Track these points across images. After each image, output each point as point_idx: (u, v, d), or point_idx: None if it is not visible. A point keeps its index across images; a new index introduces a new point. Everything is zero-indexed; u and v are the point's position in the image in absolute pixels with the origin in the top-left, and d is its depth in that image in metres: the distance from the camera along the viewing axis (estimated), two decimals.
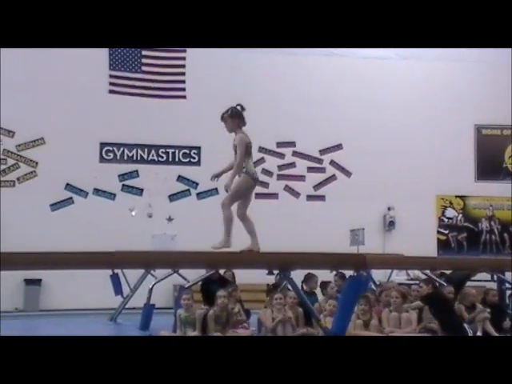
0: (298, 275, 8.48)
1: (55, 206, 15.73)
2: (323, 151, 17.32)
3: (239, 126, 6.90)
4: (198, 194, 16.26)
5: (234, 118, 6.87)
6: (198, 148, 16.46)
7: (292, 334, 8.46)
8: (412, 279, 13.53)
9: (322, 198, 17.20)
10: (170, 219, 15.64)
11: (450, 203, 17.69)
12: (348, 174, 17.40)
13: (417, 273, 13.68)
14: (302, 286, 9.56)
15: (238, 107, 6.96)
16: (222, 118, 6.96)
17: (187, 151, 16.47)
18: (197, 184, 16.33)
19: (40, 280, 14.82)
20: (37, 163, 15.82)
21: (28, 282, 14.77)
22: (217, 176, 7.01)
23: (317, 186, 17.26)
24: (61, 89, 15.71)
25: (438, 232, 17.50)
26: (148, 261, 7.18)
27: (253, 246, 6.73)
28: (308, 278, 9.97)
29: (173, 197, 15.98)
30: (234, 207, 7.31)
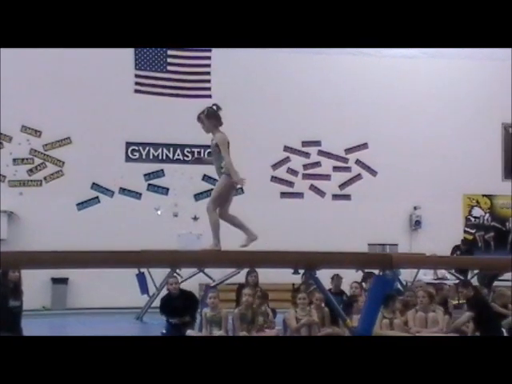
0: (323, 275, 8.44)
1: (81, 206, 15.85)
2: (349, 150, 17.23)
3: (216, 126, 6.85)
4: None
5: (211, 118, 6.82)
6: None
7: (317, 334, 8.43)
8: (439, 279, 13.41)
9: (347, 197, 17.11)
10: (195, 218, 15.66)
11: (477, 202, 17.50)
12: (374, 173, 17.29)
13: (444, 272, 13.58)
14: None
15: (214, 107, 6.90)
16: (199, 119, 6.91)
17: (211, 151, 16.45)
18: None
19: (67, 279, 14.94)
20: (63, 163, 15.95)
21: (55, 280, 14.90)
22: (240, 181, 6.90)
23: (342, 186, 17.18)
24: (87, 89, 15.82)
25: (465, 231, 17.30)
26: (174, 260, 7.17)
27: (249, 236, 6.72)
28: (332, 278, 9.96)
29: (198, 196, 16.01)
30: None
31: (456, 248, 15.17)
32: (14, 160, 15.70)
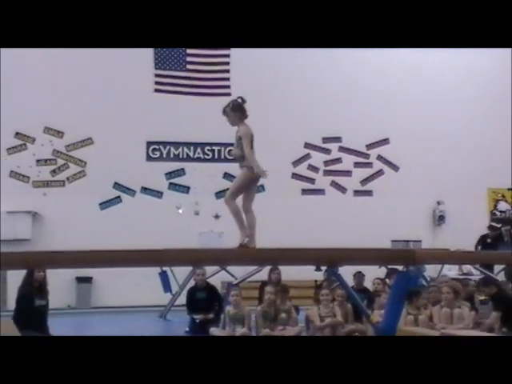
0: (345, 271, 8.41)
1: (104, 205, 15.95)
2: (370, 146, 17.16)
3: (241, 119, 6.81)
4: None
5: (236, 111, 6.78)
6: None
7: (341, 331, 8.42)
8: (464, 274, 13.30)
9: (369, 193, 17.04)
10: (216, 216, 15.68)
11: (503, 196, 17.33)
12: (395, 168, 17.19)
13: (469, 267, 13.46)
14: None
15: (239, 100, 6.86)
16: (224, 112, 6.87)
17: (233, 148, 16.47)
18: None
19: (91, 278, 15.06)
20: (85, 163, 16.06)
21: (79, 279, 15.03)
22: (263, 173, 6.85)
23: (364, 181, 17.12)
24: (108, 89, 15.91)
25: (490, 226, 17.12)
26: (196, 258, 7.19)
27: (249, 242, 6.62)
28: (355, 276, 9.94)
29: (219, 194, 16.02)
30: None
31: (483, 237, 14.81)
32: (38, 161, 15.84)
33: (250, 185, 6.80)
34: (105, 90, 15.90)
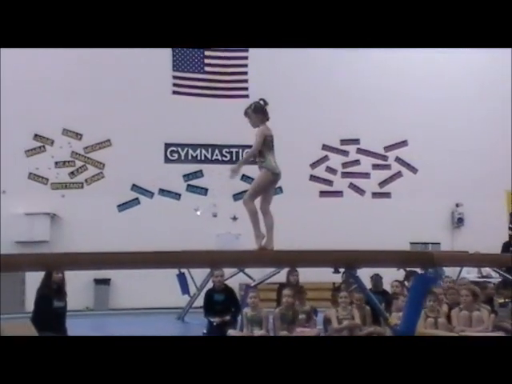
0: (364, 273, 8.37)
1: (122, 207, 16.02)
2: (388, 148, 17.09)
3: (263, 121, 6.78)
4: None
5: (258, 112, 6.74)
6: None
7: (359, 334, 8.37)
8: (483, 277, 13.18)
9: (387, 195, 16.97)
10: (234, 218, 15.69)
11: None
12: (414, 170, 17.11)
13: (488, 270, 13.34)
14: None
15: (261, 102, 6.82)
16: (246, 114, 6.83)
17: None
18: None
19: (109, 279, 15.12)
20: (104, 165, 16.14)
21: (97, 281, 15.10)
22: (234, 171, 6.86)
23: (382, 183, 17.04)
24: (126, 91, 15.98)
25: (510, 228, 16.94)
26: (213, 260, 7.18)
27: (267, 243, 6.57)
28: (372, 278, 9.88)
29: (237, 196, 16.01)
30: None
31: (507, 244, 14.62)
32: (56, 163, 15.95)
33: (269, 186, 6.77)
34: (123, 92, 15.98)
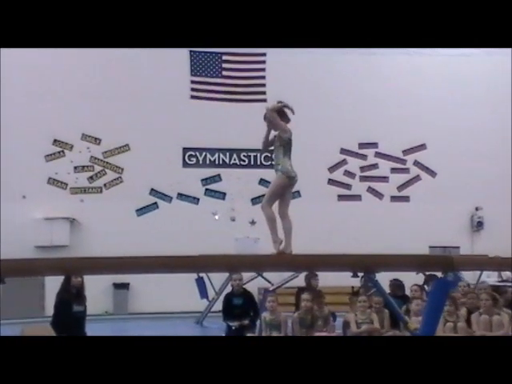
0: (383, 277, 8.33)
1: (141, 211, 16.07)
2: (407, 151, 17.01)
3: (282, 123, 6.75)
4: None
5: (278, 114, 6.73)
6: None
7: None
8: (504, 281, 13.06)
9: (406, 198, 16.89)
10: (252, 222, 15.68)
11: None
12: (433, 174, 17.01)
13: (508, 274, 13.22)
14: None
15: (280, 104, 6.79)
16: (265, 118, 6.80)
17: (269, 154, 16.47)
18: None
19: (128, 284, 15.17)
20: (122, 169, 16.21)
21: (116, 286, 15.15)
22: (266, 147, 6.78)
23: (401, 187, 16.96)
24: (144, 96, 16.05)
25: None
26: (232, 264, 7.18)
27: (285, 247, 6.54)
28: (391, 284, 9.81)
29: (255, 200, 16.03)
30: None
31: None
32: (75, 168, 16.04)
33: (285, 190, 6.73)
34: (141, 96, 16.05)
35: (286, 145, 6.67)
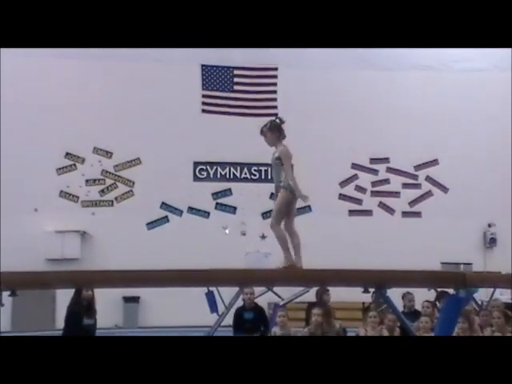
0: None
1: (151, 225, 16.09)
2: (418, 167, 16.95)
3: (279, 139, 6.74)
4: None
5: (274, 131, 6.72)
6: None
7: None
8: None
9: (417, 214, 16.81)
10: (263, 237, 15.64)
11: None
12: (445, 189, 16.93)
13: None
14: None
15: (277, 120, 6.80)
16: (261, 132, 6.81)
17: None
18: None
19: (138, 297, 15.16)
20: (133, 183, 16.26)
21: (127, 299, 15.14)
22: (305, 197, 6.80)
23: (412, 203, 16.89)
24: (155, 110, 16.12)
25: None
26: (243, 278, 7.16)
27: (296, 262, 6.56)
28: (403, 297, 9.73)
29: (266, 214, 15.99)
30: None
31: None
32: (87, 181, 16.11)
33: (290, 206, 6.74)
34: (152, 110, 16.13)
35: (289, 161, 6.68)
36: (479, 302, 10.58)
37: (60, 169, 16.00)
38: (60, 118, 15.66)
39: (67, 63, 15.80)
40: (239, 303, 10.96)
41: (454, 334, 7.67)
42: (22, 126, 15.52)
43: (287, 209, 6.69)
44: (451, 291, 7.19)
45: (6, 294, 5.70)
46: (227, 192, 16.56)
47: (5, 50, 13.58)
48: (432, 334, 7.88)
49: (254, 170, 16.62)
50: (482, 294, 12.00)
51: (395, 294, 8.52)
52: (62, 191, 15.94)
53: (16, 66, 15.69)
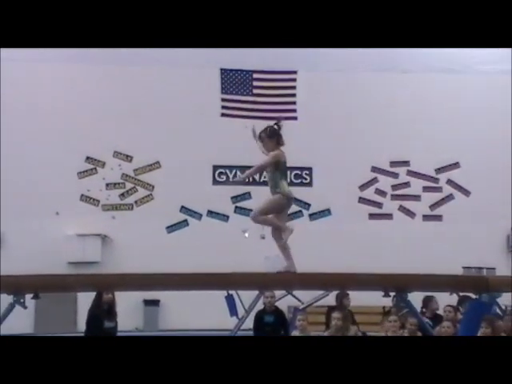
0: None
1: (171, 229, 16.12)
2: (439, 170, 16.83)
3: (277, 146, 6.73)
4: (310, 215, 16.17)
5: (272, 137, 6.72)
6: (310, 169, 16.41)
7: None
8: None
9: (438, 218, 16.68)
10: None
11: None
12: (467, 193, 16.79)
13: None
14: (422, 311, 9.23)
15: (276, 126, 6.79)
16: (260, 138, 6.81)
17: (299, 172, 16.46)
18: (309, 205, 16.25)
19: (158, 301, 15.19)
20: (153, 187, 16.31)
21: (147, 302, 15.19)
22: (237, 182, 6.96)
23: (433, 206, 16.77)
24: (175, 114, 16.17)
25: None
26: (262, 282, 7.16)
27: (289, 267, 6.65)
28: (427, 301, 9.63)
29: None
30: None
31: None
32: (107, 185, 16.19)
33: (281, 210, 6.90)
34: (172, 114, 16.17)
35: (283, 167, 6.71)
36: (503, 307, 10.48)
37: (81, 173, 16.09)
38: (81, 122, 15.76)
39: (89, 68, 15.91)
40: (259, 307, 10.96)
41: None
42: (43, 130, 15.66)
43: (278, 211, 6.81)
44: (474, 296, 7.13)
45: (28, 296, 5.75)
46: (246, 195, 16.54)
47: (24, 55, 13.74)
48: None
49: None
50: (505, 299, 11.90)
51: (417, 299, 8.48)
52: (82, 195, 16.04)
53: (37, 71, 15.84)
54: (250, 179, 15.73)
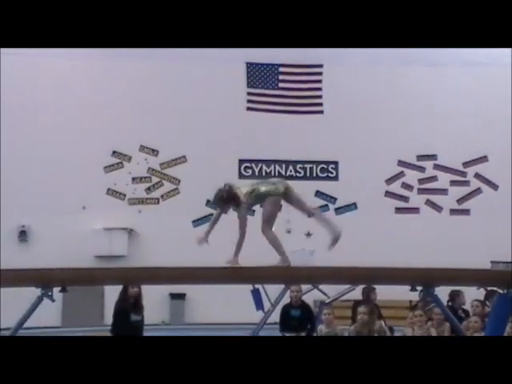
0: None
1: (197, 222, 16.16)
2: (467, 164, 16.66)
3: (238, 200, 6.94)
4: (336, 210, 16.12)
5: (227, 202, 6.90)
6: (336, 163, 16.36)
7: None
8: None
9: (466, 212, 16.53)
10: (308, 234, 15.58)
11: None
12: (495, 186, 16.61)
13: None
14: (448, 305, 9.16)
15: (227, 187, 6.92)
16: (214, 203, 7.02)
17: (325, 166, 16.41)
18: (335, 199, 16.22)
19: (184, 294, 15.27)
20: (179, 181, 16.38)
21: (173, 296, 15.27)
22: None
23: (461, 200, 16.61)
24: (201, 108, 16.20)
25: None
26: (288, 276, 7.16)
27: (284, 260, 6.70)
28: (454, 296, 9.56)
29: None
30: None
31: None
32: (133, 179, 16.29)
33: (278, 209, 7.01)
34: (198, 108, 16.21)
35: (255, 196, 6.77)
36: None
37: (107, 167, 16.22)
38: (107, 117, 15.87)
39: (116, 63, 16.00)
40: (284, 301, 10.97)
41: (506, 334, 7.52)
42: (70, 125, 15.79)
43: (277, 211, 6.95)
44: (501, 291, 7.06)
45: (56, 290, 5.80)
46: None
47: (52, 52, 13.86)
48: (482, 334, 7.75)
49: (300, 168, 16.56)
50: None
51: (444, 293, 8.42)
52: (109, 189, 16.16)
53: (62, 67, 15.98)
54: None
